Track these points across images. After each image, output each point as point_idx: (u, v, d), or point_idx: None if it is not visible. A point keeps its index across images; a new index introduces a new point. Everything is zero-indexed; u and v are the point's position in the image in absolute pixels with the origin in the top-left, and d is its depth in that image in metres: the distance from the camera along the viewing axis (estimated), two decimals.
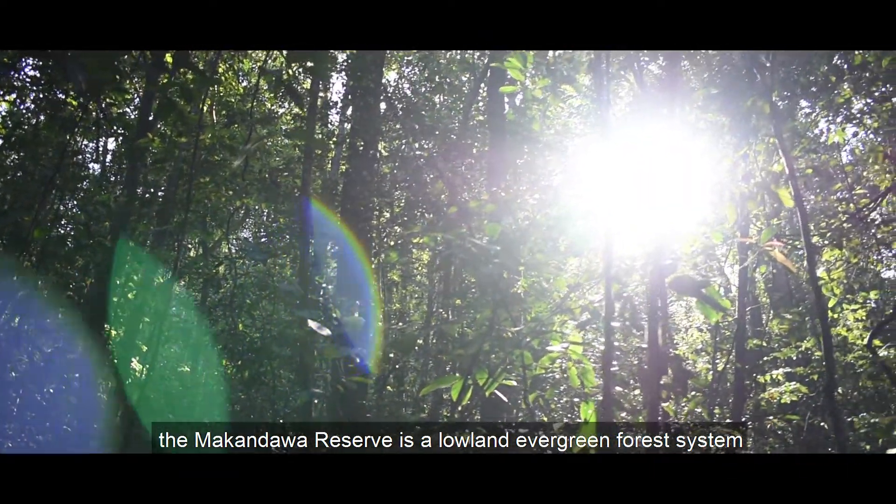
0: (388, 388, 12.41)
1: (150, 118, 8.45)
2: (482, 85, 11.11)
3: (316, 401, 7.94)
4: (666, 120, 7.79)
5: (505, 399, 6.71)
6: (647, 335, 3.23)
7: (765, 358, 9.88)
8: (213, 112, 11.92)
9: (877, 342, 8.09)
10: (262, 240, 12.96)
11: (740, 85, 6.66)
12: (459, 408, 6.00)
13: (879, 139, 9.00)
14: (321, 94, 12.00)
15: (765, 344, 9.72)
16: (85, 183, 9.71)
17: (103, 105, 8.40)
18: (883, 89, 8.48)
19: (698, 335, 11.81)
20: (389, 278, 13.12)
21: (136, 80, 9.30)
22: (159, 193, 10.56)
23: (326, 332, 5.27)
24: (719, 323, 9.86)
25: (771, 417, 7.61)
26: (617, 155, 6.27)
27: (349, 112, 11.66)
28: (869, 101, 8.65)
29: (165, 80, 6.67)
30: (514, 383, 6.01)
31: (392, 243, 10.42)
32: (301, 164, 9.90)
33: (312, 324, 5.23)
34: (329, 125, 13.78)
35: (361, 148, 9.92)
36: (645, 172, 6.42)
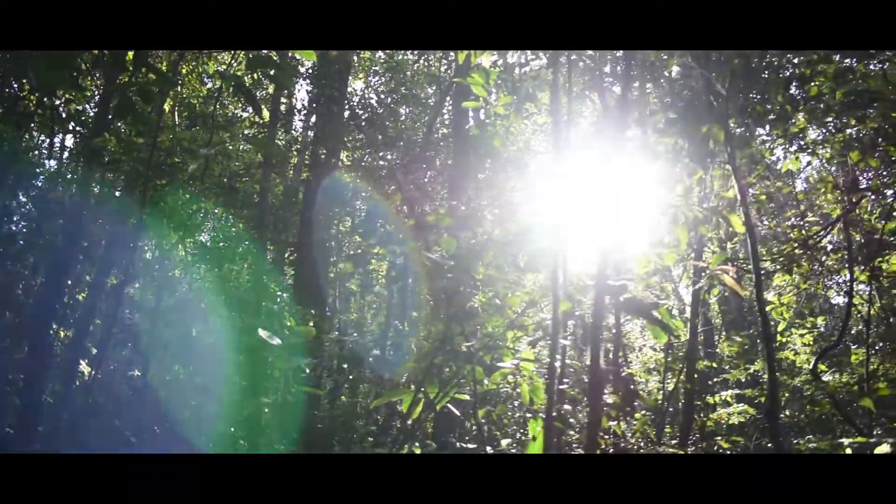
0: (343, 398, 12.31)
1: (109, 117, 8.33)
2: (447, 98, 11.16)
3: (266, 410, 7.84)
4: (626, 141, 7.90)
5: (457, 413, 6.71)
6: (590, 354, 3.26)
7: (715, 379, 10.04)
8: (176, 113, 11.78)
9: (822, 367, 8.27)
10: (221, 244, 12.80)
11: (698, 110, 6.78)
12: (409, 421, 5.98)
13: (833, 168, 9.23)
14: (284, 100, 11.93)
15: (715, 365, 9.87)
16: (39, 180, 9.52)
17: (59, 102, 8.25)
18: (836, 121, 8.70)
19: (652, 354, 11.93)
20: (348, 288, 13.04)
21: (96, 77, 9.16)
22: (116, 193, 10.39)
23: (277, 341, 5.22)
24: (672, 343, 9.98)
25: (718, 438, 7.73)
26: (575, 174, 6.34)
27: (313, 120, 11.61)
28: (823, 131, 8.87)
29: (124, 80, 6.58)
30: (467, 397, 6.02)
31: (350, 253, 10.37)
32: (261, 169, 9.83)
33: (263, 332, 5.19)
34: (293, 131, 13.70)
35: (323, 156, 9.88)
36: (602, 192, 6.49)
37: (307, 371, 5.57)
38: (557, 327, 3.44)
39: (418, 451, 6.87)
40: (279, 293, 9.95)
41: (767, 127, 11.22)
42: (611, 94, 10.70)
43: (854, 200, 8.27)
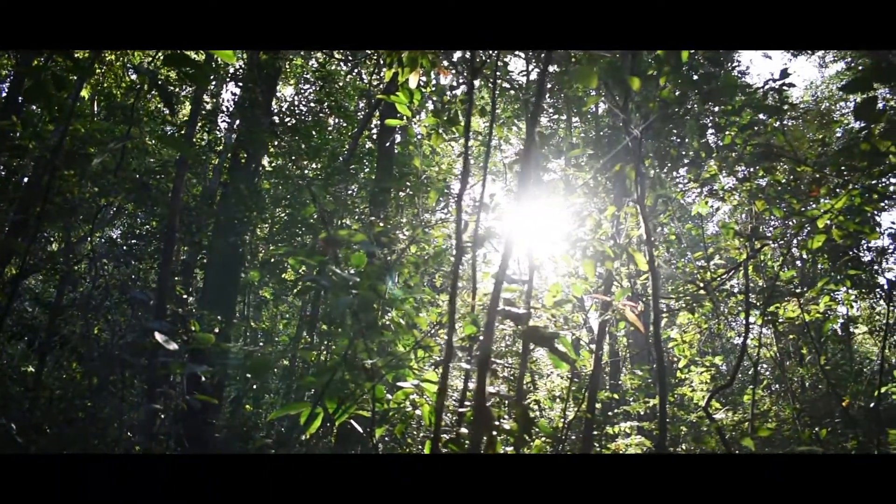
0: (247, 407, 12.04)
1: (20, 100, 8.00)
2: (375, 113, 11.16)
3: (162, 416, 7.60)
4: (547, 172, 8.05)
5: (360, 429, 6.65)
6: (477, 379, 3.30)
7: (616, 410, 10.27)
8: (95, 103, 11.39)
9: (716, 405, 8.57)
10: (131, 242, 12.39)
11: (615, 148, 6.99)
12: (305, 435, 5.89)
13: (743, 216, 9.66)
14: (209, 100, 11.70)
15: (616, 397, 10.10)
16: None
17: None
18: (746, 170, 9.10)
19: (559, 382, 12.14)
20: (261, 296, 12.80)
21: (9, 56, 8.79)
22: (24, 180, 9.95)
23: (173, 346, 5.08)
24: (579, 373, 10.19)
25: None
26: (495, 200, 6.42)
27: (237, 123, 11.43)
28: (733, 179, 9.27)
29: (38, 64, 6.34)
30: (368, 415, 5.97)
31: (263, 261, 10.21)
32: (177, 168, 9.59)
33: (159, 336, 5.05)
34: (217, 132, 13.42)
35: (244, 161, 9.71)
36: (520, 220, 6.58)
37: (204, 379, 5.43)
38: (451, 351, 3.46)
39: None
40: (185, 296, 9.68)
41: (683, 170, 11.65)
42: (536, 123, 10.91)
43: (756, 247, 8.64)
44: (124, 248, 13.00)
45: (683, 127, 9.08)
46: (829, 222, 6.49)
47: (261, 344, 8.81)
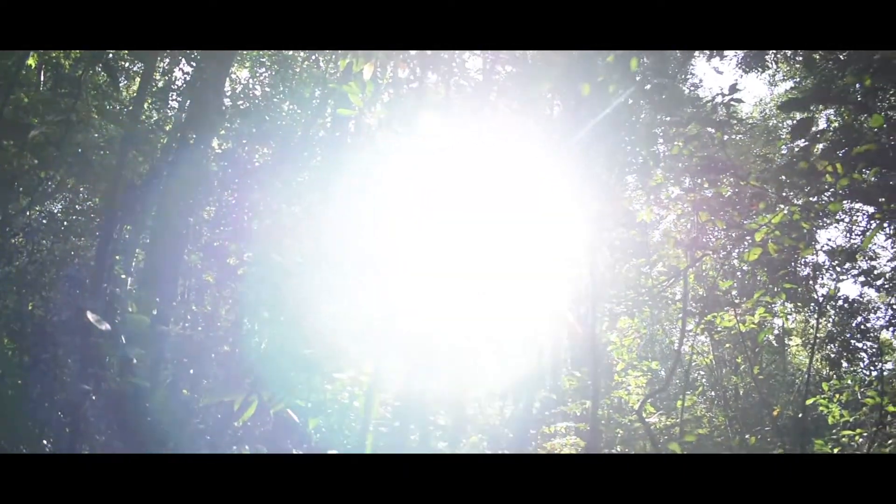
0: (185, 392, 11.82)
1: None
2: (330, 101, 11.08)
3: (94, 397, 7.43)
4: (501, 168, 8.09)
5: (297, 420, 6.61)
6: (405, 372, 3.32)
7: (554, 410, 10.39)
8: (42, 72, 11.05)
9: (650, 409, 8.75)
10: (72, 217, 12.07)
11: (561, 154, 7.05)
12: (237, 422, 5.84)
13: (689, 226, 9.88)
14: (160, 77, 11.46)
15: (554, 397, 10.24)
16: None
17: None
18: (692, 181, 9.30)
19: (499, 380, 12.21)
20: (204, 279, 12.57)
21: None
22: None
23: (105, 325, 4.99)
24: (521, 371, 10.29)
25: None
26: (443, 197, 6.42)
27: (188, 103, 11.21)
28: (678, 189, 9.46)
29: None
30: (309, 405, 5.94)
31: (206, 244, 10.04)
32: (122, 144, 9.37)
33: (91, 316, 4.95)
34: (168, 110, 13.16)
35: (192, 141, 9.55)
36: (468, 216, 6.61)
37: (136, 361, 5.33)
38: (385, 344, 3.47)
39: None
40: (124, 276, 9.47)
41: (633, 177, 11.83)
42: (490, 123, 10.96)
43: (697, 257, 8.85)
44: (64, 223, 12.65)
45: (633, 134, 9.25)
46: (765, 236, 6.68)
47: (199, 329, 8.69)
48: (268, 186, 9.16)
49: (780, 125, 17.79)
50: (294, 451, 6.95)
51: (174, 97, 12.16)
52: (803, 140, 5.89)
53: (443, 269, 6.22)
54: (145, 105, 10.95)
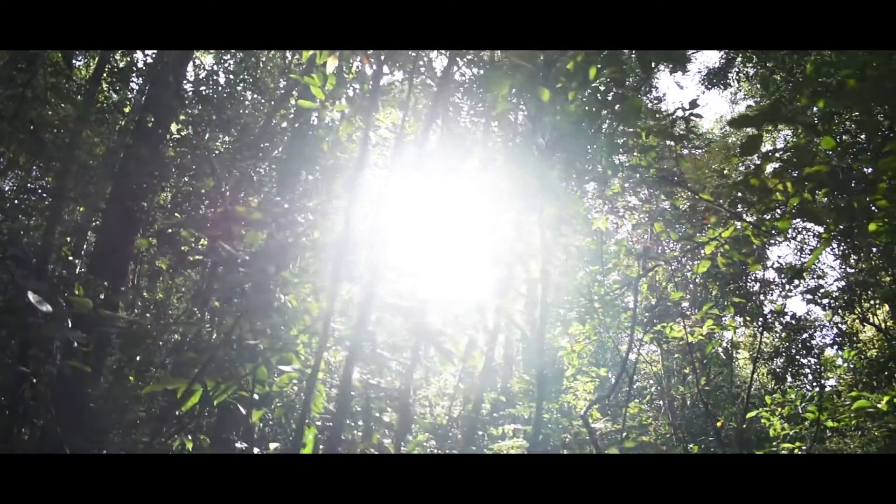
0: (130, 379, 11.63)
1: None
2: (294, 92, 10.99)
3: (34, 379, 7.26)
4: (454, 174, 8.12)
5: (243, 410, 6.55)
6: (343, 370, 3.32)
7: (502, 412, 10.48)
8: None
9: (596, 414, 8.86)
10: (22, 196, 11.78)
11: (522, 158, 7.12)
12: (180, 411, 5.77)
13: (645, 236, 10.05)
14: (120, 57, 11.24)
15: (504, 399, 10.32)
16: None
17: None
18: (648, 192, 9.48)
19: (451, 380, 12.29)
20: (157, 266, 12.40)
21: None
22: None
23: (47, 307, 4.89)
24: (472, 372, 10.34)
25: None
26: (402, 195, 6.42)
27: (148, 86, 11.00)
28: (634, 199, 9.64)
29: None
30: (255, 396, 5.89)
31: (159, 230, 9.88)
32: (76, 124, 9.16)
33: (32, 296, 4.84)
34: (128, 91, 12.90)
35: (150, 125, 9.39)
36: (419, 220, 6.63)
37: (79, 345, 5.22)
38: (324, 340, 3.47)
39: (189, 445, 6.63)
40: (73, 258, 9.27)
41: (593, 185, 11.95)
42: (453, 125, 11.01)
43: (649, 267, 9.00)
44: (14, 202, 12.33)
45: (594, 143, 9.36)
46: (715, 250, 6.82)
47: (147, 315, 8.53)
48: (226, 175, 9.06)
49: (738, 142, 18.16)
50: (238, 444, 6.88)
51: (135, 78, 11.96)
52: (757, 158, 6.03)
53: (396, 264, 6.22)
54: (104, 85, 10.73)
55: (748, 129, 3.97)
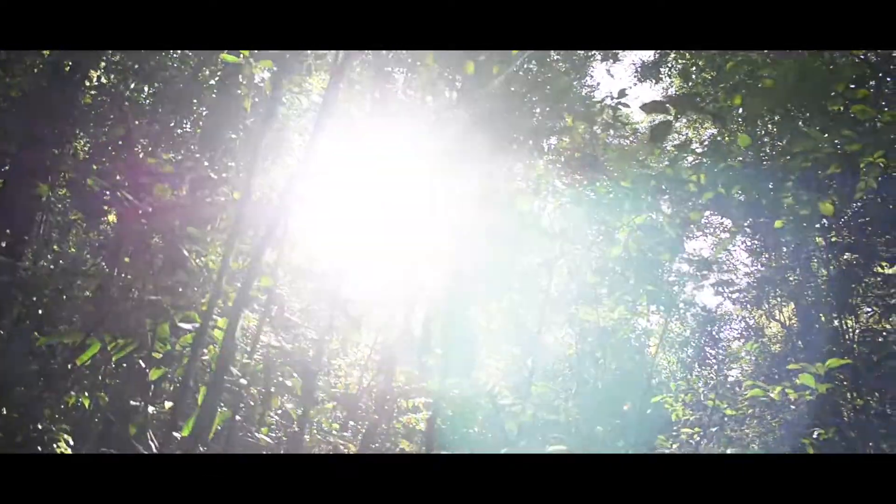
0: (37, 334, 11.20)
1: None
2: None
3: None
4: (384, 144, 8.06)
5: (145, 368, 6.41)
6: (226, 331, 3.29)
7: (415, 385, 10.53)
8: None
9: (504, 391, 8.98)
10: None
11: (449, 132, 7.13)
12: (72, 365, 5.61)
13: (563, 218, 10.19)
14: None
15: (417, 372, 10.37)
16: None
17: None
18: (570, 176, 9.65)
19: (368, 352, 12.27)
20: (70, 218, 11.93)
21: None
22: None
23: None
24: (388, 343, 10.36)
25: (397, 439, 8.17)
26: (321, 161, 6.33)
27: None
28: (559, 182, 9.78)
29: None
30: (159, 355, 5.77)
31: (70, 180, 9.50)
32: None
33: None
34: None
35: (68, 69, 8.98)
36: (342, 188, 6.56)
37: None
38: (213, 301, 3.42)
39: (86, 401, 6.45)
40: None
41: (521, 166, 12.03)
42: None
43: (566, 249, 9.15)
44: None
45: (522, 123, 9.45)
46: (627, 236, 6.99)
47: (51, 267, 8.21)
48: (144, 129, 8.76)
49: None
50: (135, 402, 6.69)
51: None
52: (675, 150, 6.19)
53: (320, 236, 6.17)
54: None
55: (660, 115, 4.08)
